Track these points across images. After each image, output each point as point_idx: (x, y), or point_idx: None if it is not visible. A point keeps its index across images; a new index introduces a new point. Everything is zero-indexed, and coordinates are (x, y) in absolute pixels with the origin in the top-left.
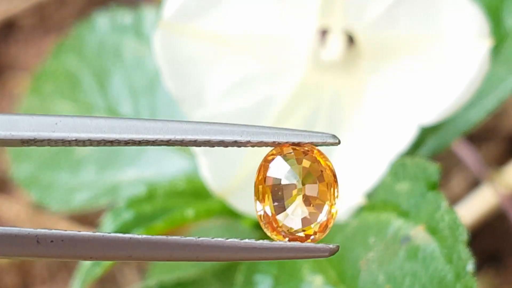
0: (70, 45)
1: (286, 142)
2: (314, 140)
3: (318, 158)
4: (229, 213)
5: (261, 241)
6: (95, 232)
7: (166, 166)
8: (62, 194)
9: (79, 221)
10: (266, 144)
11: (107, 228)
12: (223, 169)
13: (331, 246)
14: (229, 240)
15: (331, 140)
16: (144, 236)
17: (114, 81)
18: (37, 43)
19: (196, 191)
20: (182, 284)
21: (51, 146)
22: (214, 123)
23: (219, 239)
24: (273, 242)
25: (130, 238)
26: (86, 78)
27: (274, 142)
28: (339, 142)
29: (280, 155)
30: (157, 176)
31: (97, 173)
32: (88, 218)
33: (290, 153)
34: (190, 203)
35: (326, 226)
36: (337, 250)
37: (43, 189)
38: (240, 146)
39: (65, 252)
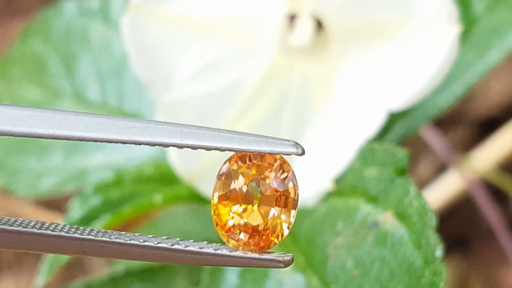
0: (37, 29)
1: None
2: (276, 149)
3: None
4: (197, 199)
5: (218, 248)
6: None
7: (134, 151)
8: (29, 179)
9: (46, 206)
10: (221, 149)
11: (75, 214)
12: (191, 155)
13: (286, 257)
14: (175, 246)
15: (293, 150)
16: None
17: (82, 66)
18: (3, 27)
19: (164, 177)
20: (150, 270)
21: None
22: (177, 124)
23: (164, 245)
24: (230, 252)
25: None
26: (53, 62)
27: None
28: (302, 153)
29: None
30: (125, 161)
31: (65, 158)
32: (55, 203)
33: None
34: (158, 189)
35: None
36: (292, 262)
37: (10, 173)
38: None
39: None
